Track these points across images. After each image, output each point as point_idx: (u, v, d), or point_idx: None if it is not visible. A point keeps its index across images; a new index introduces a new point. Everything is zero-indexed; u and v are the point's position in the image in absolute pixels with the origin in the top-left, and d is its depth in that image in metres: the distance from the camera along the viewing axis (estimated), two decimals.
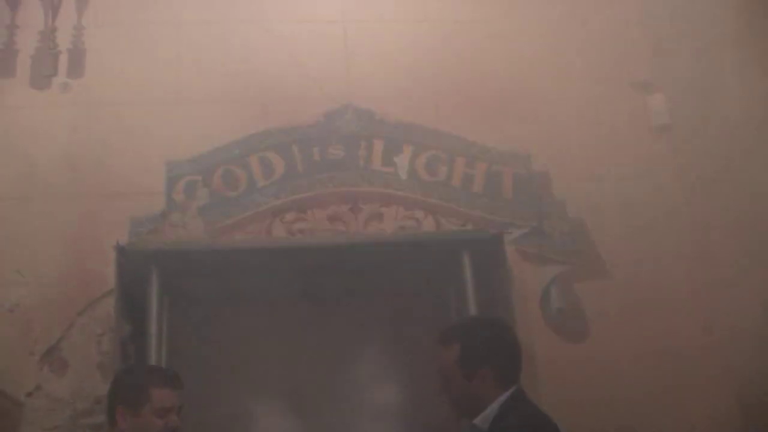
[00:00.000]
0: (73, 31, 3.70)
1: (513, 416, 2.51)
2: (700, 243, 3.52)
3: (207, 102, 3.67)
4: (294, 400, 3.54)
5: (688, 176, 3.64)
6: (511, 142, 3.68)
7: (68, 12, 3.72)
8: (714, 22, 3.48)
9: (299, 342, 3.58)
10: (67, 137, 3.55)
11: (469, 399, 2.58)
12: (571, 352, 3.30)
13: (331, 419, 3.51)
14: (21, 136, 3.53)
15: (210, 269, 3.42)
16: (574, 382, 3.24)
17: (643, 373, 3.30)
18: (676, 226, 3.59)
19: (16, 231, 3.35)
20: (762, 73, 3.21)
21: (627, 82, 3.83)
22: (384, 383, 3.63)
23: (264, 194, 3.58)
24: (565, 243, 3.49)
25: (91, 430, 2.97)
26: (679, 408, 3.27)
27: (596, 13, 3.94)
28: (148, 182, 3.51)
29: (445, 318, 3.52)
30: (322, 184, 3.62)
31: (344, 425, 3.51)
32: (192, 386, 2.84)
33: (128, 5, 3.79)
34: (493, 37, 3.86)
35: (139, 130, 3.60)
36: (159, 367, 3.12)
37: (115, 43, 3.72)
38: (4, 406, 2.97)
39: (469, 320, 3.13)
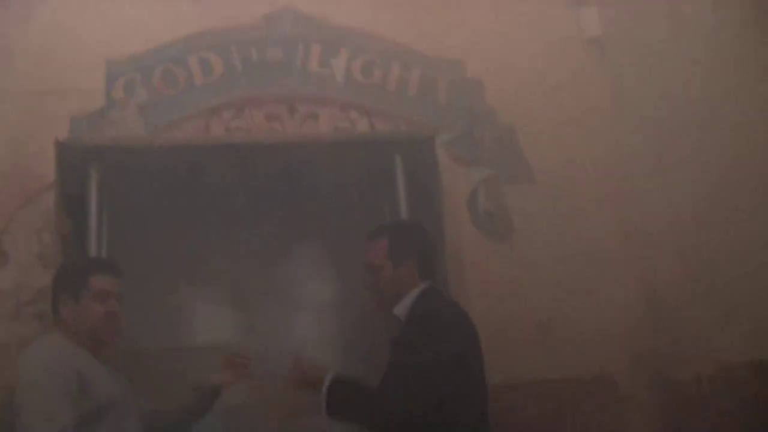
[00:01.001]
0: None
1: (428, 304, 2.75)
2: (623, 151, 3.70)
3: (147, 0, 3.68)
4: (233, 293, 3.70)
5: (615, 87, 3.80)
6: (446, 49, 3.78)
7: None
8: None
9: (238, 237, 3.71)
10: (6, 35, 3.55)
11: (393, 287, 2.82)
12: (497, 252, 3.49)
13: (268, 311, 3.69)
14: None
15: (149, 166, 3.49)
16: (498, 281, 3.44)
17: (563, 272, 3.51)
18: (601, 135, 3.75)
19: None
20: None
21: None
22: (318, 278, 3.81)
23: (202, 93, 3.63)
24: (495, 148, 3.64)
25: (34, 318, 3.08)
26: (594, 303, 3.50)
27: None
28: (87, 80, 3.53)
29: (377, 218, 3.69)
30: (260, 85, 3.68)
31: (280, 317, 3.69)
32: (132, 280, 2.95)
33: None
34: None
35: (78, 29, 3.60)
36: (99, 257, 3.22)
37: None
38: None
39: (395, 221, 3.43)
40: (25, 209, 3.28)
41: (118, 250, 3.33)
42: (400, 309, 2.82)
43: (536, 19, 3.88)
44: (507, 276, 3.45)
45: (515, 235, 3.53)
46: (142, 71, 3.61)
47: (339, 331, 3.69)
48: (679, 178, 3.36)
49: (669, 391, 3.39)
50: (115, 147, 3.44)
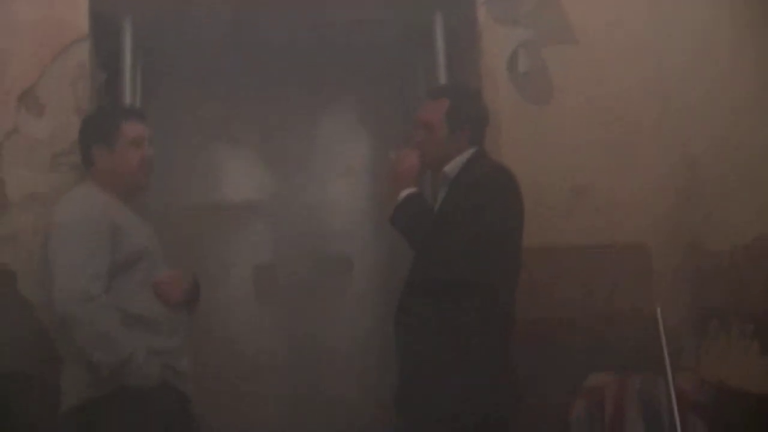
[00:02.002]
0: None
1: (478, 167, 2.85)
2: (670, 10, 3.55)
3: None
4: (264, 153, 3.69)
5: None
6: None
7: None
8: None
9: (270, 96, 3.67)
10: None
11: (445, 150, 2.89)
12: (534, 116, 3.40)
13: (299, 172, 3.68)
14: None
15: (183, 20, 3.43)
16: (535, 144, 3.36)
17: (601, 138, 3.41)
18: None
19: None
20: None
21: None
22: (350, 140, 3.77)
23: None
24: (536, 8, 3.47)
25: (69, 169, 3.09)
26: (631, 171, 3.44)
27: None
28: None
29: (413, 79, 3.63)
30: None
31: (312, 178, 3.68)
32: (164, 136, 2.96)
33: None
34: None
35: None
36: (122, 105, 3.22)
37: None
38: None
39: (456, 83, 3.41)
40: (60, 60, 3.23)
41: (152, 104, 3.31)
42: (451, 168, 2.88)
43: None
44: (543, 140, 3.37)
45: (554, 99, 3.43)
46: None
47: (371, 193, 3.67)
48: None
49: (702, 262, 3.36)
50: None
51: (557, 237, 3.34)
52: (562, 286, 3.32)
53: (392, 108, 3.55)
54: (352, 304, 3.63)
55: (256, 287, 3.60)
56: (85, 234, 2.58)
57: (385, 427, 3.28)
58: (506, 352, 2.74)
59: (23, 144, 3.14)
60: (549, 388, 3.16)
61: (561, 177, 3.37)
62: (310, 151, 3.71)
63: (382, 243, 3.52)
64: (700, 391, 3.19)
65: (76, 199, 2.71)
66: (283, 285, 3.62)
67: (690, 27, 3.43)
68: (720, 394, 3.17)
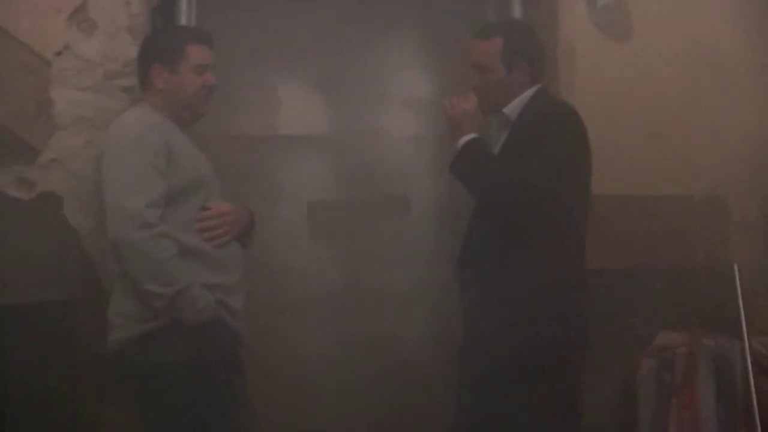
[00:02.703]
0: None
1: (540, 106, 2.68)
2: None
3: None
4: (321, 81, 3.50)
5: None
6: None
7: None
8: None
9: (329, 30, 3.48)
10: None
11: (503, 91, 2.73)
12: (613, 53, 3.18)
13: (358, 105, 3.49)
14: None
15: None
16: (612, 84, 3.16)
17: (683, 82, 3.21)
18: None
19: None
20: None
21: None
22: (412, 71, 3.57)
23: None
24: None
25: (121, 91, 2.93)
26: (712, 119, 3.23)
27: None
28: None
29: (482, 8, 3.43)
30: None
31: (369, 110, 3.50)
32: (218, 62, 2.79)
33: None
34: None
35: None
36: (192, 27, 3.05)
37: None
38: (32, 63, 2.93)
39: (508, 19, 3.24)
40: None
41: (207, 27, 3.12)
42: (511, 109, 2.72)
43: None
44: (622, 79, 3.17)
45: (635, 36, 3.20)
46: None
47: (433, 129, 3.48)
48: None
49: None
50: None
51: (632, 185, 3.16)
52: (635, 238, 3.15)
53: (458, 40, 3.33)
54: (408, 247, 3.47)
55: (310, 224, 3.43)
56: (140, 156, 2.43)
57: (437, 371, 3.17)
58: (573, 301, 2.59)
59: (74, 64, 2.96)
60: (617, 343, 3.00)
61: (639, 120, 3.17)
62: (369, 81, 3.49)
63: (442, 182, 3.33)
64: None
65: (132, 120, 2.56)
66: (338, 223, 3.46)
67: None
68: None
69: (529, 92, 2.70)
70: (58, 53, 2.96)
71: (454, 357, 2.77)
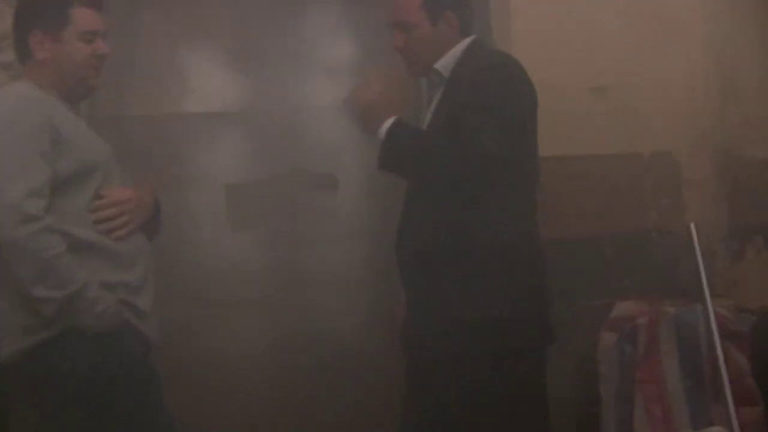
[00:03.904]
0: None
1: (477, 58, 2.40)
2: None
3: None
4: (233, 53, 3.17)
5: None
6: None
7: None
8: None
9: None
10: None
11: (431, 46, 2.43)
12: (549, 4, 2.95)
13: (273, 74, 3.17)
14: None
15: None
16: (550, 37, 2.94)
17: (627, 32, 3.01)
18: None
19: None
20: None
21: None
22: (334, 38, 3.27)
23: None
24: None
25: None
26: (658, 71, 3.03)
27: None
28: None
29: None
30: None
31: (288, 82, 3.19)
32: (119, 33, 2.46)
33: None
34: None
35: None
36: None
37: None
38: None
39: None
40: None
41: None
42: (443, 64, 2.43)
43: None
44: (560, 31, 2.95)
45: None
46: None
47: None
48: None
49: (736, 171, 2.99)
50: None
51: (575, 145, 2.94)
52: (581, 202, 2.93)
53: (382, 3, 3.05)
54: (339, 227, 3.17)
55: (228, 209, 3.11)
56: (17, 138, 2.07)
57: (384, 363, 2.89)
58: (531, 275, 2.34)
59: None
60: (572, 318, 2.78)
61: (581, 75, 2.96)
62: (287, 53, 3.18)
63: (370, 156, 3.04)
64: (739, 318, 2.83)
65: (7, 97, 2.20)
66: (259, 206, 3.14)
67: None
68: (762, 321, 2.81)
69: (462, 45, 2.43)
70: None
71: (399, 345, 2.51)
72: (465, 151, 2.18)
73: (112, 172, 2.30)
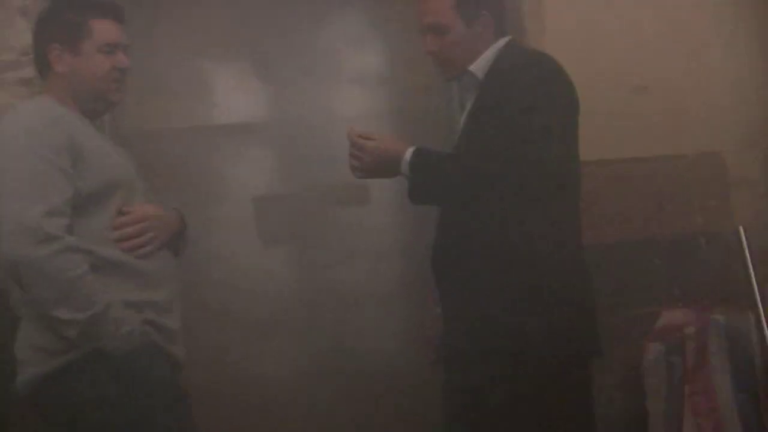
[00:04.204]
0: None
1: (514, 58, 2.29)
2: None
3: None
4: (257, 65, 3.09)
5: None
6: None
7: None
8: None
9: (262, 3, 3.07)
10: None
11: (466, 48, 2.32)
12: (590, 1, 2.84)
13: (299, 86, 3.08)
14: None
15: None
16: (587, 35, 2.82)
17: (668, 28, 2.88)
18: None
19: None
20: None
21: None
22: (360, 47, 3.17)
23: None
24: None
25: (19, 84, 2.52)
26: (702, 68, 2.90)
27: None
28: None
29: None
30: None
31: (314, 93, 3.09)
32: (139, 48, 2.38)
33: None
34: None
35: None
36: None
37: None
38: None
39: None
40: None
41: (131, 10, 2.69)
42: (478, 66, 2.32)
43: None
44: (598, 31, 2.83)
45: None
46: None
47: (387, 106, 3.10)
48: None
49: None
50: None
51: (617, 147, 2.81)
52: (624, 206, 2.81)
53: (407, 5, 2.95)
54: (371, 240, 3.08)
55: (257, 224, 3.02)
56: (37, 155, 1.99)
57: (424, 382, 2.79)
58: (577, 286, 2.22)
59: None
60: (616, 328, 2.65)
61: (620, 74, 2.83)
62: (312, 63, 3.09)
63: None
64: None
65: (26, 114, 2.13)
66: (289, 220, 3.05)
67: None
68: None
69: (497, 45, 2.32)
70: None
71: (434, 363, 2.41)
72: (513, 158, 2.09)
73: (135, 189, 2.22)
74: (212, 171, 3.04)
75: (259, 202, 3.04)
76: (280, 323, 3.04)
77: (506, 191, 2.12)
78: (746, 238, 2.70)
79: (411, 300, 3.01)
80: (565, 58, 2.38)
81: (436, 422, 2.56)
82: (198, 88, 3.07)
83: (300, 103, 3.10)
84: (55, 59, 2.18)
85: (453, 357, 2.31)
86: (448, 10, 2.30)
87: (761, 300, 2.62)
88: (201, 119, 3.05)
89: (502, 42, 2.33)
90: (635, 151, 2.83)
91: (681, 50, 2.88)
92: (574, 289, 2.20)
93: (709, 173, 2.87)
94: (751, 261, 2.69)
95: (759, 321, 2.62)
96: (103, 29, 2.21)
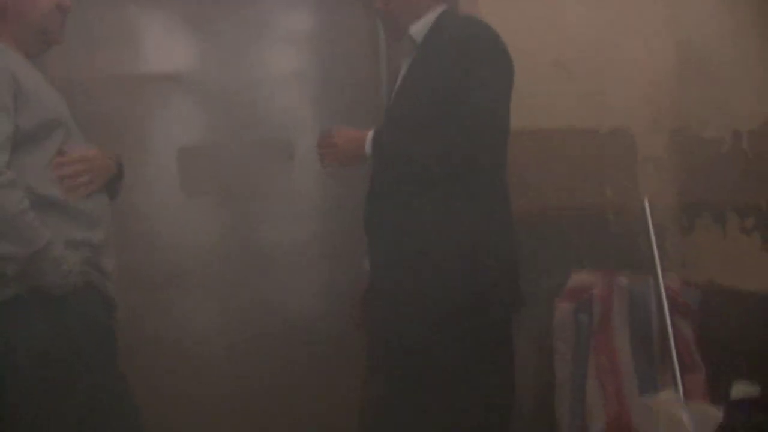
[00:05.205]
0: None
1: (451, 24, 2.39)
2: None
3: None
4: (189, 15, 3.05)
5: None
6: None
7: None
8: None
9: None
10: None
11: (411, 9, 2.43)
12: None
13: (232, 38, 3.06)
14: None
15: None
16: (516, 12, 2.92)
17: (590, 7, 3.01)
18: None
19: None
20: None
21: None
22: (294, 6, 3.19)
23: None
24: None
25: None
26: (619, 47, 3.06)
27: None
28: None
29: None
30: None
31: (248, 46, 3.08)
32: None
33: None
34: None
35: None
36: None
37: None
38: None
39: None
40: None
41: None
42: (417, 30, 2.42)
43: None
44: (526, 7, 2.94)
45: None
46: None
47: (317, 65, 3.14)
48: None
49: (694, 149, 3.03)
50: None
51: (536, 119, 2.92)
52: (541, 176, 2.94)
53: None
54: (294, 197, 3.12)
55: (181, 174, 3.01)
56: None
57: (343, 340, 2.86)
58: (504, 244, 2.35)
59: None
60: (528, 296, 2.79)
61: (543, 47, 2.95)
62: (244, 19, 3.09)
63: (328, 124, 2.98)
64: (687, 291, 2.90)
65: None
66: (213, 172, 3.06)
67: None
68: (709, 294, 2.89)
69: (436, 10, 2.43)
70: None
71: (360, 319, 2.49)
72: (445, 120, 2.19)
73: (72, 130, 2.20)
74: (137, 121, 3.00)
75: (183, 154, 3.03)
76: (202, 277, 3.04)
77: (438, 149, 2.23)
78: (650, 212, 2.89)
79: (334, 257, 3.07)
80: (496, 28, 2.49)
81: (357, 377, 2.65)
82: (125, 36, 3.02)
83: (229, 57, 3.09)
84: None
85: (379, 310, 2.40)
86: None
87: (660, 267, 2.81)
88: (127, 68, 3.01)
89: (440, 8, 2.43)
90: (550, 123, 2.96)
91: (600, 31, 3.02)
92: (498, 243, 2.33)
93: (620, 149, 3.04)
94: (653, 231, 2.87)
95: (657, 286, 2.81)
96: None
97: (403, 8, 2.41)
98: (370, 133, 2.33)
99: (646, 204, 2.89)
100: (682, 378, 2.75)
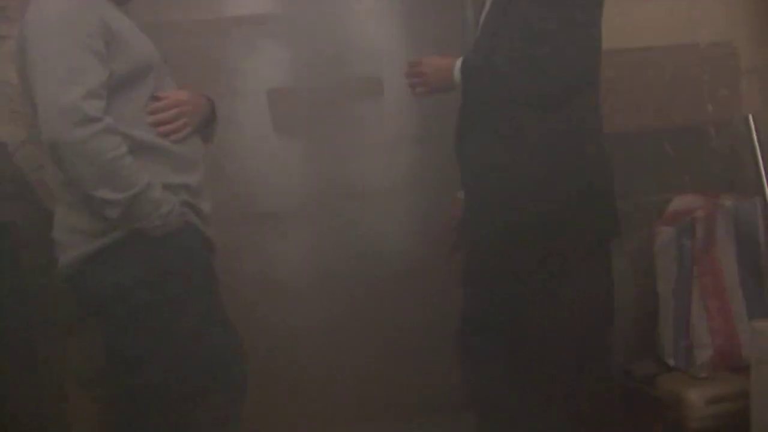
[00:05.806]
0: None
1: None
2: None
3: None
4: None
5: None
6: None
7: None
8: None
9: None
10: None
11: None
12: None
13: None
14: None
15: None
16: None
17: None
18: None
19: None
20: None
21: None
22: None
23: None
24: None
25: None
26: None
27: None
28: None
29: None
30: None
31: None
32: None
33: None
34: None
35: None
36: None
37: None
38: None
39: None
40: None
41: None
42: None
43: None
44: None
45: None
46: None
47: (400, 6, 3.09)
48: None
49: None
50: None
51: (626, 37, 2.80)
52: (637, 96, 2.83)
53: None
54: (385, 132, 3.11)
55: (272, 115, 3.03)
56: (71, 38, 1.98)
57: (440, 271, 2.86)
58: (597, 168, 2.28)
59: None
60: (629, 215, 2.72)
61: None
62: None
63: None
64: None
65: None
66: (303, 111, 3.07)
67: None
68: None
69: None
70: None
71: (457, 247, 2.48)
72: (535, 54, 2.13)
73: (164, 75, 2.23)
74: (226, 63, 3.02)
75: (273, 95, 3.05)
76: (294, 216, 3.09)
77: (530, 71, 2.17)
78: (755, 126, 2.75)
79: (426, 190, 3.06)
80: None
81: (452, 306, 2.65)
82: None
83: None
84: None
85: (475, 239, 2.38)
86: None
87: (767, 186, 2.69)
88: (215, 11, 3.02)
89: None
90: (647, 40, 2.84)
91: None
92: (594, 173, 2.27)
93: (720, 62, 2.90)
94: (760, 149, 2.74)
95: (765, 207, 2.69)
96: None
97: None
98: (459, 61, 2.28)
99: (750, 119, 2.75)
100: None
